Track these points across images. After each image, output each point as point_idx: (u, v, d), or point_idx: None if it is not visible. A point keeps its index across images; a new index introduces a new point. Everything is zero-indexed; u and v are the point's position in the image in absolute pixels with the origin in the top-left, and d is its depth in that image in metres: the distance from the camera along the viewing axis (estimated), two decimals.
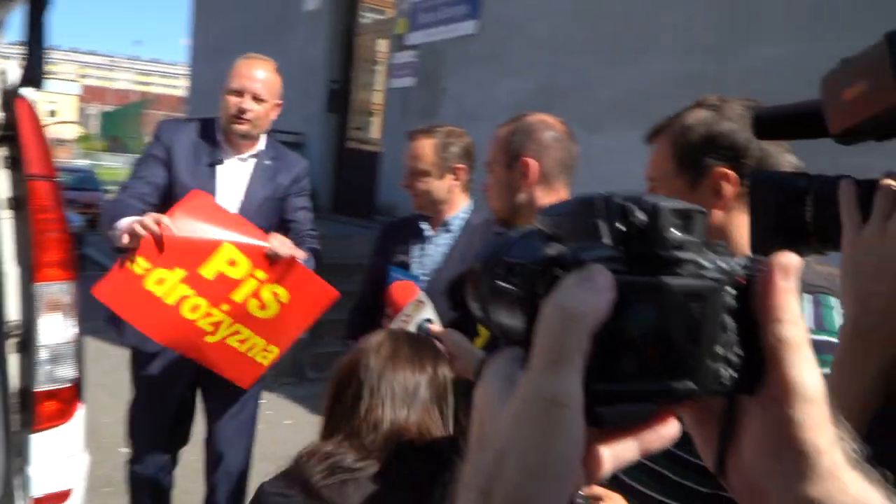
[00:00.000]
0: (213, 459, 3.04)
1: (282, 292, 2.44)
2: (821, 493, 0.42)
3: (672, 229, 0.39)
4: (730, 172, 1.25)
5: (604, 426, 0.39)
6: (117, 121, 59.80)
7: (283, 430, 4.99)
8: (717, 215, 1.27)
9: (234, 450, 3.00)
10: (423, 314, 2.01)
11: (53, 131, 47.97)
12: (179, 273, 2.30)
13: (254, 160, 2.76)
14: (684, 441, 0.46)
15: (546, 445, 0.36)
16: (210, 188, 2.62)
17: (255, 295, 2.42)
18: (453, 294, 2.27)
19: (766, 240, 0.83)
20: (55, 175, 2.24)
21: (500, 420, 0.38)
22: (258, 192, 2.73)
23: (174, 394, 2.92)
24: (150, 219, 2.28)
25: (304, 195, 2.88)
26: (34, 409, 2.21)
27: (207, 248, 2.34)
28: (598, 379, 0.37)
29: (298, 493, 1.35)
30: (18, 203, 2.21)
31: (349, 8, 9.70)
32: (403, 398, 1.38)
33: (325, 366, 6.30)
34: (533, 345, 0.37)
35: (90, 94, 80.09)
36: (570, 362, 0.36)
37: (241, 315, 2.43)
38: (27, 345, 2.21)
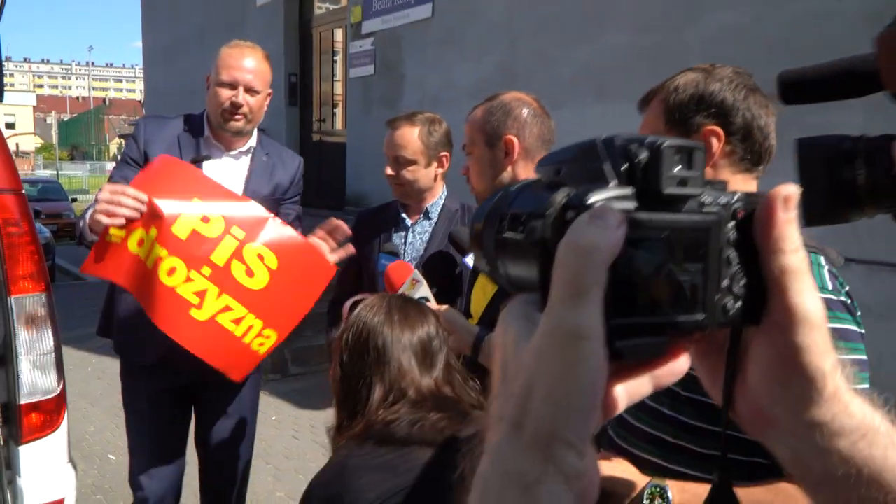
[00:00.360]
0: (211, 463, 2.80)
1: (267, 255, 2.16)
2: (826, 415, 0.43)
3: (674, 165, 0.41)
4: (718, 129, 1.31)
5: (624, 359, 0.40)
6: (76, 128, 58.87)
7: (269, 427, 5.01)
8: (707, 172, 1.33)
9: (233, 451, 2.77)
10: (419, 292, 2.02)
11: (13, 144, 47.00)
12: (153, 232, 2.06)
13: (247, 157, 2.52)
14: (678, 401, 0.50)
15: (571, 376, 0.37)
16: None
17: (238, 256, 2.13)
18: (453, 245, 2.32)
19: (818, 206, 0.79)
20: (21, 188, 2.24)
21: (523, 355, 0.39)
22: (259, 192, 2.45)
23: (176, 408, 2.65)
24: (112, 188, 2.05)
25: (297, 200, 2.70)
26: (19, 421, 2.22)
27: (178, 204, 2.10)
28: (615, 314, 0.39)
29: (386, 448, 1.33)
30: None
31: (302, 0, 9.64)
32: (424, 355, 1.44)
33: (307, 361, 6.33)
34: (551, 285, 0.38)
35: (47, 104, 78.64)
36: (589, 296, 0.37)
37: (226, 282, 2.13)
38: (6, 358, 2.22)
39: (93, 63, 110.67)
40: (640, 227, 0.39)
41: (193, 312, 2.12)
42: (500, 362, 0.42)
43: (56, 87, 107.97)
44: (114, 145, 54.52)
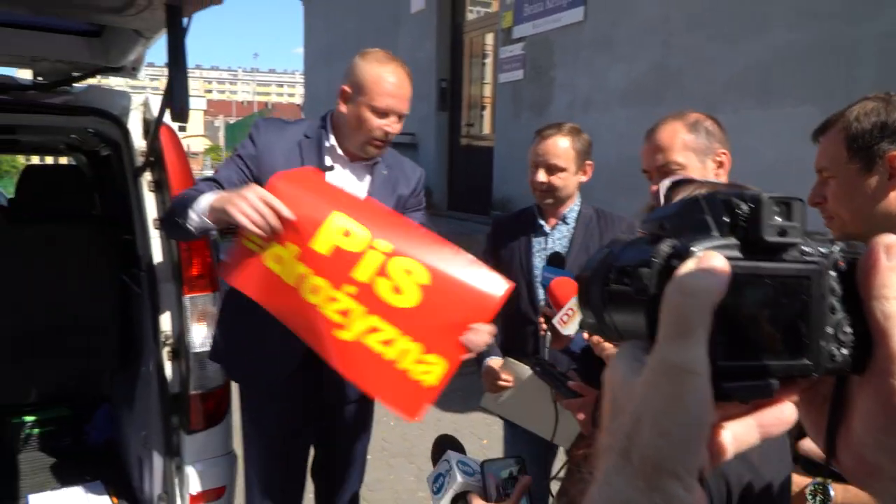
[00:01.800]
0: (330, 493, 2.67)
1: (417, 269, 1.88)
2: None
3: (775, 217, 0.43)
4: None
5: (731, 400, 0.42)
6: (241, 131, 62.85)
7: (414, 427, 5.11)
8: (894, 197, 1.34)
9: (350, 481, 2.66)
10: (574, 323, 1.97)
11: (184, 144, 50.75)
12: (293, 249, 1.87)
13: (368, 169, 2.33)
14: None
15: (678, 408, 0.39)
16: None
17: (383, 272, 1.87)
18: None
19: None
20: None
21: (632, 389, 0.41)
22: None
23: (300, 439, 2.50)
24: (264, 198, 1.84)
25: (422, 209, 2.48)
26: (189, 411, 2.38)
27: (315, 219, 1.89)
28: (722, 357, 0.41)
29: None
30: None
31: (455, 6, 9.78)
32: None
33: None
34: (658, 327, 0.40)
35: (215, 108, 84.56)
36: (696, 334, 0.39)
37: (371, 301, 1.87)
38: (179, 353, 2.39)
39: (257, 69, 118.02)
40: (743, 271, 0.41)
41: (339, 333, 1.87)
42: (609, 399, 0.43)
43: (224, 91, 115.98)
44: None
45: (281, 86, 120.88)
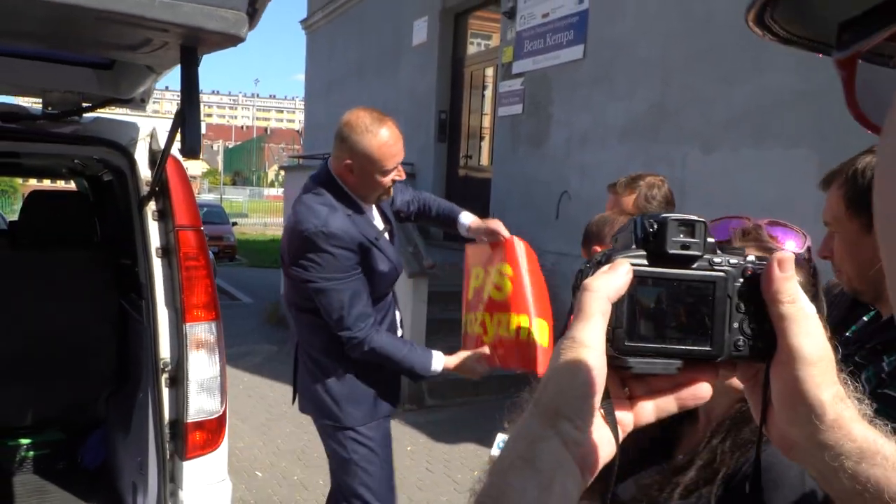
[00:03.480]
0: None
1: (505, 267, 2.50)
2: (829, 439, 0.53)
3: (679, 234, 0.55)
4: None
5: (633, 372, 0.55)
6: (239, 156, 63.16)
7: (404, 458, 5.10)
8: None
9: None
10: None
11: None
12: (463, 309, 2.70)
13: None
14: None
15: (572, 371, 0.52)
16: (389, 249, 2.61)
17: (492, 283, 2.55)
18: None
19: None
20: (200, 224, 2.44)
21: (552, 357, 0.55)
22: (389, 216, 2.72)
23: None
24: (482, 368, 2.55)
25: (402, 188, 2.82)
26: (185, 438, 2.40)
27: (467, 283, 2.71)
28: (627, 338, 0.54)
29: None
30: (167, 251, 2.43)
31: (456, 40, 9.93)
32: None
33: (443, 393, 6.42)
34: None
35: (214, 132, 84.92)
36: (592, 319, 0.53)
37: (493, 306, 2.52)
38: (178, 380, 2.41)
39: (257, 94, 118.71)
40: (647, 276, 0.54)
41: (485, 339, 2.55)
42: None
43: (224, 116, 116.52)
44: (272, 172, 57.93)
45: (280, 111, 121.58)
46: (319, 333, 2.53)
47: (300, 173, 10.19)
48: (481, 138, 9.82)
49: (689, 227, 0.55)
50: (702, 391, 0.57)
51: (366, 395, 2.58)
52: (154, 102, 2.87)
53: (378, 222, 2.63)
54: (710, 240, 0.56)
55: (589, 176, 7.01)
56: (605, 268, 0.54)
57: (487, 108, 9.66)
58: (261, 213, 36.20)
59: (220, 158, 63.66)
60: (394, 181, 2.47)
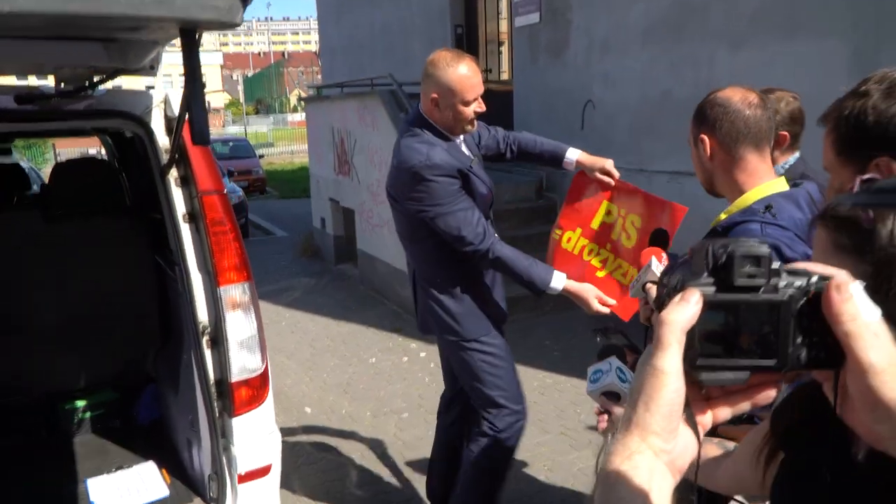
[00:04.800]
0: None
1: (636, 219, 2.73)
2: None
3: (745, 266, 0.62)
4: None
5: (705, 385, 0.66)
6: (259, 83, 62.59)
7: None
8: None
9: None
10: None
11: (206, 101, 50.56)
12: (579, 231, 2.84)
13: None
14: None
15: (658, 395, 0.64)
16: (483, 174, 2.87)
17: (623, 229, 2.77)
18: None
19: None
20: (223, 188, 2.45)
21: (637, 380, 0.67)
22: (474, 148, 2.96)
23: None
24: (594, 298, 2.72)
25: (495, 129, 3.10)
26: (231, 396, 2.48)
27: (593, 209, 2.83)
28: (701, 356, 0.64)
29: None
30: (194, 217, 2.45)
31: None
32: None
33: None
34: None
35: (232, 61, 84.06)
36: (669, 349, 0.64)
37: (618, 250, 2.78)
38: (218, 341, 2.47)
39: (271, 18, 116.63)
40: (716, 302, 0.63)
41: (598, 273, 2.80)
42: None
43: (239, 44, 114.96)
44: (293, 97, 57.43)
45: (296, 34, 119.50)
46: (432, 261, 2.89)
47: (320, 103, 10.09)
48: (500, 53, 9.58)
49: (755, 259, 0.62)
50: (770, 395, 0.69)
51: (481, 310, 2.89)
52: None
53: (467, 152, 2.87)
54: (776, 265, 0.63)
55: (612, 83, 6.82)
56: (678, 297, 0.64)
57: (504, 22, 9.37)
58: (286, 141, 36.08)
59: (240, 88, 63.25)
60: (476, 113, 2.70)
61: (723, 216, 1.90)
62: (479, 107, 2.72)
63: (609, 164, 2.78)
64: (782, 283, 0.62)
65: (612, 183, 2.78)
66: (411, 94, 8.44)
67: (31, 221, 3.14)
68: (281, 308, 7.45)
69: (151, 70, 2.45)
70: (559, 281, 2.75)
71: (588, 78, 7.09)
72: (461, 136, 2.86)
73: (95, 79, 2.33)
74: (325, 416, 4.81)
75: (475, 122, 2.78)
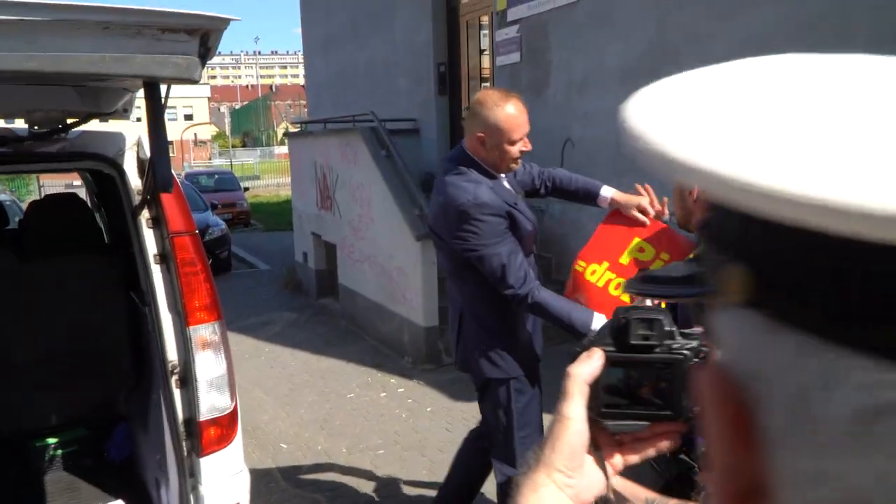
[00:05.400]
0: None
1: (667, 257, 2.74)
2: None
3: (640, 329, 0.72)
4: None
5: (610, 430, 0.74)
6: (247, 116, 62.85)
7: (424, 419, 5.23)
8: None
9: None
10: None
11: (191, 133, 50.95)
12: (605, 265, 2.80)
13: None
14: None
15: (559, 437, 0.74)
16: (527, 211, 2.88)
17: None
18: None
19: None
20: (195, 229, 2.48)
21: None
22: (516, 188, 2.95)
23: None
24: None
25: (536, 169, 3.13)
26: (199, 436, 2.49)
27: (623, 245, 2.81)
28: (605, 406, 0.73)
29: None
30: (165, 257, 2.48)
31: None
32: None
33: None
34: None
35: (220, 94, 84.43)
36: (573, 398, 0.73)
37: None
38: (187, 381, 2.49)
39: (259, 52, 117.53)
40: (616, 360, 0.73)
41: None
42: None
43: (227, 76, 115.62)
44: (281, 129, 57.65)
45: (284, 67, 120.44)
46: (481, 297, 2.87)
47: (303, 139, 10.18)
48: (482, 87, 9.72)
49: (648, 323, 0.72)
50: (669, 442, 0.77)
51: (523, 349, 2.93)
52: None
53: (510, 188, 2.89)
54: (669, 329, 0.72)
55: (591, 121, 6.95)
56: (584, 354, 0.74)
57: (487, 60, 9.53)
58: (273, 174, 36.20)
59: (227, 120, 63.47)
60: (522, 152, 2.73)
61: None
62: (524, 146, 2.74)
63: (645, 201, 2.78)
64: (675, 345, 0.72)
65: (647, 222, 2.77)
66: (394, 131, 8.56)
67: (5, 261, 3.16)
68: (261, 342, 7.44)
69: (125, 113, 2.50)
70: (599, 321, 2.72)
71: (568, 116, 7.21)
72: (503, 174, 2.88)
73: (69, 121, 2.37)
74: (301, 452, 4.80)
75: (520, 161, 2.81)
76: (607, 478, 0.78)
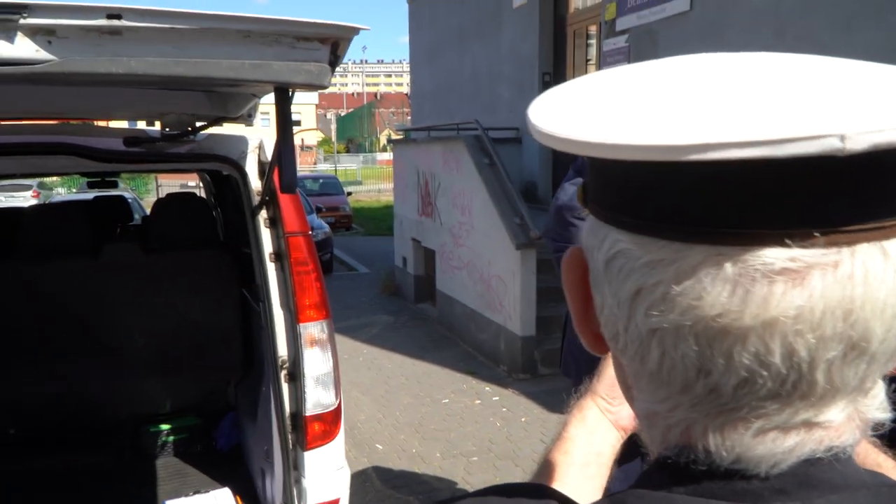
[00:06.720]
0: None
1: None
2: None
3: None
4: None
5: None
6: (351, 123, 64.47)
7: (519, 429, 5.22)
8: None
9: None
10: None
11: (299, 139, 52.62)
12: None
13: None
14: None
15: (604, 368, 0.88)
16: None
17: None
18: None
19: None
20: (308, 230, 2.58)
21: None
22: None
23: None
24: None
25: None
26: (305, 430, 2.57)
27: None
28: None
29: None
30: (279, 256, 2.58)
31: None
32: None
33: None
34: None
35: (326, 101, 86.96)
36: None
37: None
38: (295, 376, 2.58)
39: (366, 60, 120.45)
40: None
41: None
42: None
43: (335, 84, 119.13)
44: (384, 137, 58.85)
45: (389, 76, 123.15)
46: None
47: (407, 146, 10.36)
48: None
49: None
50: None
51: None
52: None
53: None
54: None
55: None
56: None
57: (592, 68, 9.44)
58: (374, 180, 36.92)
59: (332, 127, 65.26)
60: None
61: None
62: None
63: None
64: None
65: None
66: (496, 139, 8.60)
67: (131, 252, 3.37)
68: (359, 344, 7.60)
69: (249, 118, 2.62)
70: None
71: None
72: None
73: (198, 124, 2.50)
74: (396, 454, 4.87)
75: None
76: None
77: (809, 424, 0.42)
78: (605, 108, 0.42)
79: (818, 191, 0.37)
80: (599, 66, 8.55)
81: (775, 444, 0.42)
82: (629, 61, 7.83)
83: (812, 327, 0.39)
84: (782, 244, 0.38)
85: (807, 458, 0.42)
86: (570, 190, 2.73)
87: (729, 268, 0.39)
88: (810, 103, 0.38)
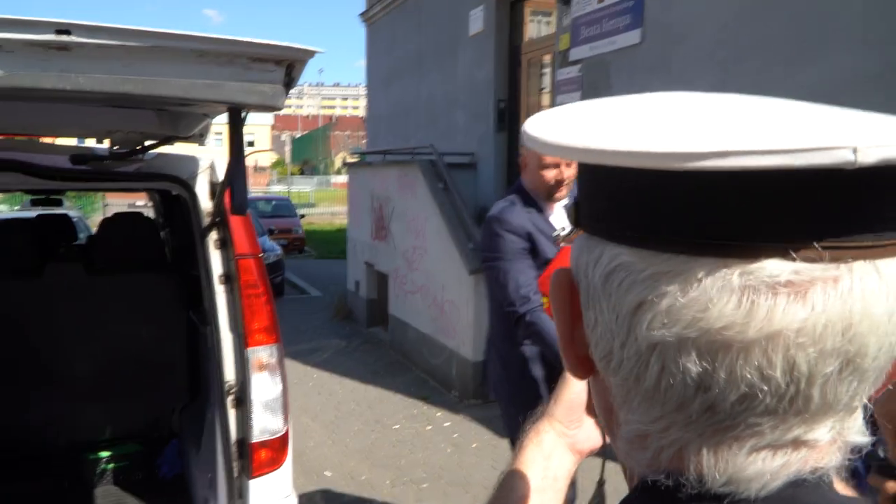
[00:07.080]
0: None
1: None
2: None
3: None
4: None
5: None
6: (307, 145, 64.25)
7: (470, 455, 5.19)
8: None
9: None
10: None
11: (252, 160, 52.21)
12: None
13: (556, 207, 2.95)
14: None
15: (562, 392, 0.87)
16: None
17: None
18: None
19: None
20: (259, 252, 2.54)
21: None
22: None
23: None
24: None
25: None
26: (251, 457, 2.51)
27: None
28: None
29: None
30: (229, 279, 2.54)
31: (512, 27, 9.87)
32: None
33: None
34: None
35: (281, 123, 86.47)
36: None
37: None
38: (242, 401, 2.53)
39: (322, 83, 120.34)
40: None
41: None
42: None
43: (290, 106, 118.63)
44: (338, 160, 58.70)
45: (345, 99, 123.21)
46: (498, 322, 2.93)
47: (362, 169, 10.33)
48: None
49: None
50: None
51: (536, 379, 2.87)
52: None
53: (556, 225, 2.85)
54: None
55: None
56: None
57: (546, 97, 9.58)
58: (328, 202, 36.76)
59: (287, 149, 64.93)
60: (560, 181, 2.76)
61: None
62: (560, 174, 2.75)
63: None
64: None
65: None
66: (451, 165, 8.64)
67: (74, 273, 3.27)
68: (309, 368, 7.50)
69: (201, 138, 2.58)
70: None
71: None
72: (558, 207, 2.85)
73: (147, 143, 2.46)
74: (345, 481, 4.79)
75: (563, 191, 2.79)
76: (603, 437, 0.85)
77: (797, 443, 0.42)
78: (614, 123, 0.43)
79: (822, 205, 0.38)
80: (553, 95, 8.68)
81: (765, 463, 0.42)
82: (582, 91, 7.96)
83: (814, 341, 0.39)
84: (787, 257, 0.38)
85: (793, 480, 0.42)
86: (500, 204, 2.84)
87: (735, 279, 0.39)
88: (821, 121, 0.39)
